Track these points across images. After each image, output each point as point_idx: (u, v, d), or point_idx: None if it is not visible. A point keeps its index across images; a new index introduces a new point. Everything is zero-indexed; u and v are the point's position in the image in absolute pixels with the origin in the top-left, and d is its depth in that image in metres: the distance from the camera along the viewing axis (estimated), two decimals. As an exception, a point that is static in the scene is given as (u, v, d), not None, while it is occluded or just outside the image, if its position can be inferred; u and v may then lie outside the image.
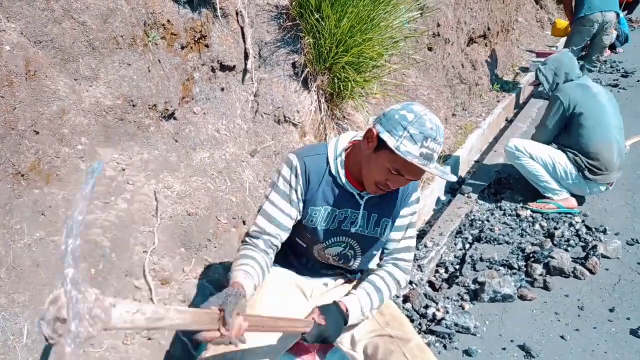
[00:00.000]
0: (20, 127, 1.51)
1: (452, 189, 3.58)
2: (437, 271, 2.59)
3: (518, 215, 3.05)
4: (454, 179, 1.31)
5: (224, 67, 2.38)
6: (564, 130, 2.99)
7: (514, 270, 2.51)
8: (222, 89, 2.38)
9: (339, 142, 1.36)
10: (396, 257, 1.48)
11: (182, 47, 2.18)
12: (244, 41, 2.48)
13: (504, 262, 2.57)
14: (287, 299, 1.45)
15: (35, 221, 1.51)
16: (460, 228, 2.98)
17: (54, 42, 1.67)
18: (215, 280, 1.83)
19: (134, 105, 1.90)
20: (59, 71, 1.70)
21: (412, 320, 2.17)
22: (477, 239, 2.83)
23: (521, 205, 3.14)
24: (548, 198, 3.05)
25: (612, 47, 7.34)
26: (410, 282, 2.43)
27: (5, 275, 1.39)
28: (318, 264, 1.52)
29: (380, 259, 1.54)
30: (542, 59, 3.50)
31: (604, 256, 2.59)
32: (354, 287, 1.49)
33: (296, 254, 1.52)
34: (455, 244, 2.82)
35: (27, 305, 1.41)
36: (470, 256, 2.63)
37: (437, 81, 4.13)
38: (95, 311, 0.73)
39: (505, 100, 5.05)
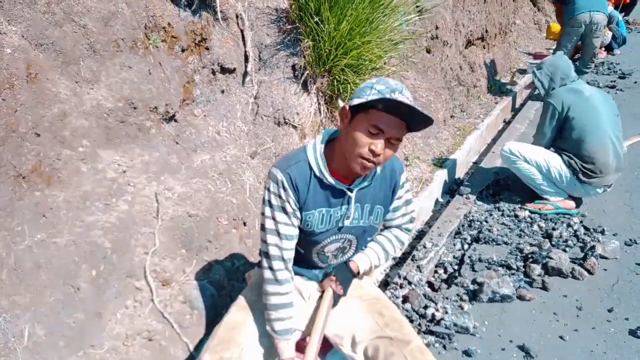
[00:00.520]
0: (22, 130, 1.52)
1: (451, 190, 3.59)
2: (436, 272, 2.60)
3: (516, 216, 3.06)
4: (431, 116, 1.26)
5: (224, 70, 2.39)
6: (559, 134, 3.02)
7: (513, 271, 2.52)
8: (223, 92, 2.40)
9: (316, 144, 1.37)
10: (399, 225, 1.59)
11: (183, 50, 2.19)
12: (244, 44, 2.49)
13: (503, 262, 2.58)
14: None
15: (36, 223, 1.51)
16: (459, 229, 2.99)
17: (55, 45, 1.68)
18: (216, 281, 1.84)
19: (135, 108, 1.91)
20: (60, 74, 1.71)
21: (411, 321, 2.17)
22: (476, 240, 2.84)
23: (519, 206, 3.15)
24: (546, 199, 3.07)
25: (610, 49, 7.38)
26: (410, 283, 2.44)
27: (6, 277, 1.40)
28: (316, 268, 1.53)
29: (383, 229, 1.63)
30: (538, 61, 3.52)
31: (602, 257, 2.60)
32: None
33: (295, 260, 1.52)
34: (454, 245, 2.83)
35: (28, 307, 1.41)
36: (469, 257, 2.64)
37: (436, 83, 4.15)
38: None
39: (503, 102, 5.08)
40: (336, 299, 1.49)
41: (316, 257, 1.49)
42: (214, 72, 2.35)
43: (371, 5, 2.63)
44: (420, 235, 3.03)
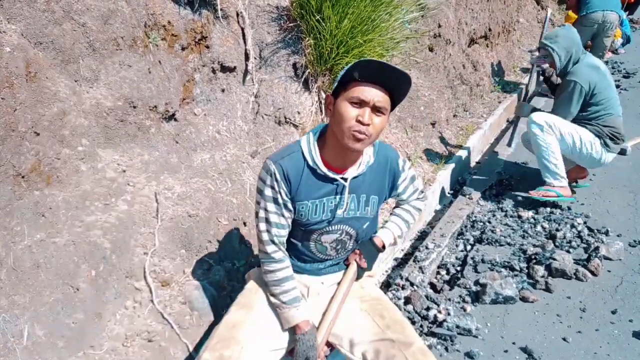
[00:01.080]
0: (21, 129, 1.51)
1: (454, 190, 3.57)
2: (438, 273, 2.58)
3: (520, 217, 3.04)
4: (406, 72, 1.29)
5: (224, 68, 2.37)
6: (581, 109, 3.09)
7: (516, 272, 2.50)
8: (223, 90, 2.38)
9: (310, 135, 1.41)
10: (410, 200, 1.64)
11: (183, 49, 2.18)
12: (245, 42, 2.48)
13: (506, 263, 2.56)
14: None
15: (35, 223, 1.51)
16: (461, 229, 2.97)
17: (54, 44, 1.67)
18: (216, 282, 1.83)
19: (134, 107, 1.89)
20: (60, 72, 1.70)
21: (413, 322, 2.16)
22: (479, 241, 2.82)
23: (524, 197, 3.15)
24: (547, 186, 3.06)
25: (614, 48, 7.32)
26: (412, 284, 2.42)
27: (5, 276, 1.39)
28: (317, 261, 1.53)
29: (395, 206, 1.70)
30: (537, 54, 3.55)
31: (606, 258, 2.58)
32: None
33: (295, 254, 1.52)
34: (457, 246, 2.81)
35: (28, 307, 1.40)
36: (472, 258, 2.62)
37: (439, 82, 4.13)
38: None
39: (506, 101, 5.04)
40: (360, 272, 1.56)
41: (314, 248, 1.49)
42: (214, 71, 2.33)
43: (373, 3, 2.60)
44: (423, 235, 3.01)
